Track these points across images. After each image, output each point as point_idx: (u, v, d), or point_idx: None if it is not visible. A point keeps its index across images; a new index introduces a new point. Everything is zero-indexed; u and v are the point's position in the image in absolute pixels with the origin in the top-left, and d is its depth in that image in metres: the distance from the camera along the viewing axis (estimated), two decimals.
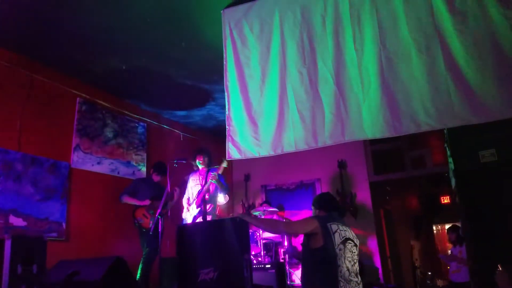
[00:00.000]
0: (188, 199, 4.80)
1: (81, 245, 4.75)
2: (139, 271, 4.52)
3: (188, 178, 4.84)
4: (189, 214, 4.61)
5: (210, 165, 4.73)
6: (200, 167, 4.73)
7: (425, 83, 2.76)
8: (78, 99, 5.13)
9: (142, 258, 4.59)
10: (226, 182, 4.73)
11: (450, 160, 4.88)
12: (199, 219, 4.41)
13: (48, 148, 4.68)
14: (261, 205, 6.67)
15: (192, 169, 4.92)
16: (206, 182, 4.55)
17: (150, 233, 4.24)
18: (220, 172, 4.35)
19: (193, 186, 4.76)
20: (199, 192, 4.57)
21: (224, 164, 4.33)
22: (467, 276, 5.24)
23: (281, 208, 6.93)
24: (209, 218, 4.47)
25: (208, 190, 4.51)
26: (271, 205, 6.55)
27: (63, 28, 4.04)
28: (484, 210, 4.40)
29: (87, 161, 5.11)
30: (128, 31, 4.14)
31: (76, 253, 4.55)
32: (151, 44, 4.42)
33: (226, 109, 3.36)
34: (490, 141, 4.64)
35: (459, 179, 4.73)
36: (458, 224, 5.89)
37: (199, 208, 4.48)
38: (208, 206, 4.44)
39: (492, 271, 3.66)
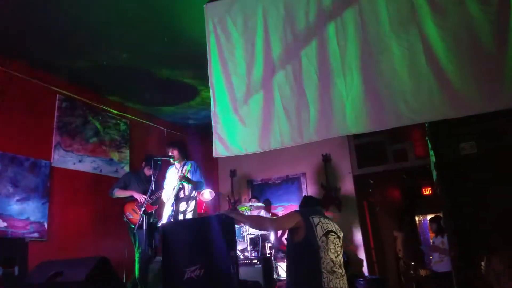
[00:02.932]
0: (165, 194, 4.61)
1: (64, 245, 4.67)
2: (137, 271, 4.46)
3: (166, 172, 4.69)
4: (165, 212, 4.47)
5: (186, 157, 4.59)
6: (173, 161, 4.54)
7: (406, 78, 2.78)
8: (57, 96, 5.01)
9: (136, 258, 4.52)
10: (201, 175, 4.52)
11: (431, 153, 4.98)
12: (173, 218, 4.28)
13: (27, 147, 4.57)
14: (249, 200, 6.68)
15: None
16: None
17: (135, 231, 4.17)
18: (186, 174, 4.24)
19: (171, 181, 4.59)
20: (173, 189, 4.41)
21: (188, 167, 4.27)
22: (449, 266, 5.38)
23: (268, 203, 6.96)
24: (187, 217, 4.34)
25: (181, 188, 4.36)
26: (259, 200, 6.57)
27: (41, 25, 3.93)
28: (465, 201, 4.52)
29: (68, 160, 5.02)
30: (109, 27, 4.06)
31: (59, 253, 4.46)
32: (133, 39, 4.34)
33: (212, 106, 3.32)
34: (470, 133, 4.76)
35: (440, 172, 4.84)
36: (440, 215, 6.02)
37: (172, 208, 4.32)
38: (183, 205, 4.34)
39: (473, 261, 3.77)
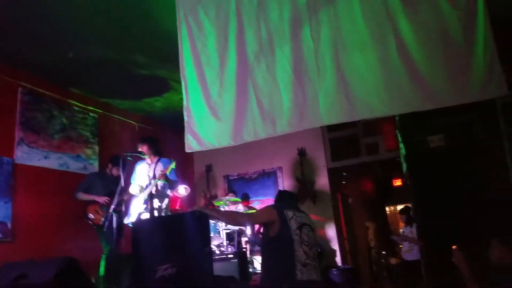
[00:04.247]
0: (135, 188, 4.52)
1: (30, 246, 4.47)
2: (102, 269, 4.34)
3: (135, 167, 4.56)
4: (134, 208, 4.36)
5: (157, 154, 4.48)
6: (145, 157, 4.42)
7: (378, 70, 2.82)
8: (20, 89, 4.76)
9: (103, 255, 4.41)
10: (176, 176, 4.45)
11: (401, 145, 5.11)
12: (145, 215, 4.17)
13: None
14: (226, 195, 6.64)
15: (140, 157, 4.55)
16: (154, 175, 4.28)
17: (104, 229, 4.04)
18: (167, 172, 4.15)
19: (141, 177, 4.46)
20: (146, 186, 4.31)
21: (172, 166, 4.16)
22: (418, 255, 5.57)
23: (246, 197, 6.93)
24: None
25: (155, 185, 4.26)
26: (236, 195, 6.53)
27: (1, 14, 3.69)
28: (433, 193, 4.67)
29: (33, 156, 4.79)
30: (75, 17, 3.88)
31: (24, 254, 4.25)
32: (100, 30, 4.17)
33: (184, 100, 3.25)
34: (439, 127, 4.91)
35: (409, 164, 4.98)
36: (409, 205, 6.21)
37: (145, 205, 4.22)
38: (156, 202, 4.23)
39: (440, 249, 3.90)
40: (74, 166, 5.27)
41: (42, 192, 4.83)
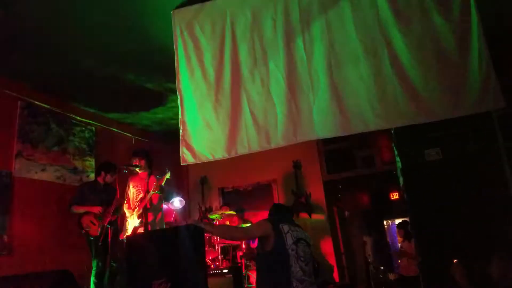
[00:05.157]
0: (129, 205, 4.52)
1: (26, 259, 4.43)
2: (91, 285, 4.28)
3: (128, 182, 4.55)
4: (129, 223, 4.33)
5: (151, 167, 4.48)
6: (139, 171, 4.41)
7: (372, 84, 2.84)
8: (19, 102, 4.79)
9: (92, 271, 4.35)
10: (171, 187, 4.47)
11: (398, 159, 5.10)
12: (140, 230, 4.15)
13: None
14: (220, 208, 6.60)
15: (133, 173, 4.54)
16: (148, 189, 4.25)
17: (100, 243, 3.98)
18: (162, 183, 4.13)
19: (134, 192, 4.45)
20: (140, 200, 4.29)
21: (167, 176, 4.15)
22: (417, 270, 5.49)
23: (241, 210, 6.89)
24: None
25: (150, 199, 4.24)
26: (230, 207, 6.49)
27: (1, 29, 3.74)
28: (430, 207, 4.64)
29: (30, 169, 4.79)
30: (73, 31, 3.92)
31: (20, 267, 4.25)
32: (98, 45, 4.22)
33: (180, 113, 3.27)
34: (435, 140, 4.90)
35: (406, 178, 4.95)
36: (407, 219, 6.15)
37: (140, 219, 4.20)
38: (151, 215, 4.21)
39: (439, 265, 3.86)
40: (70, 178, 5.26)
41: (39, 204, 4.81)
